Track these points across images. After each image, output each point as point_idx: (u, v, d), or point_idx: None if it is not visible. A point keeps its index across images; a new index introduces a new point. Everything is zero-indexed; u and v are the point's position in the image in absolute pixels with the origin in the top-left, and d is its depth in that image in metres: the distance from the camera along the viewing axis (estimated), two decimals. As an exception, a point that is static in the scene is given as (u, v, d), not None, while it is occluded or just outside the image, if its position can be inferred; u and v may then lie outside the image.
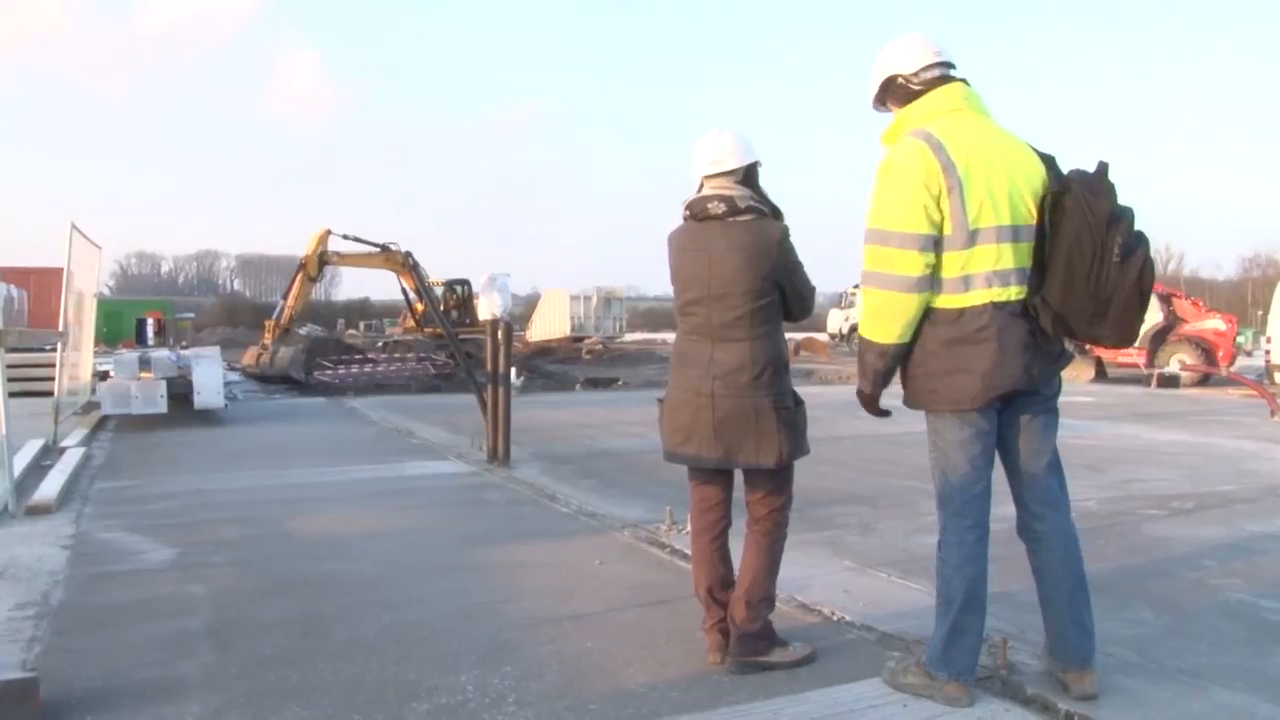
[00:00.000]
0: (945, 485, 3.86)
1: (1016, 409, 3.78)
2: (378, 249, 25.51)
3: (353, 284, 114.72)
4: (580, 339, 46.58)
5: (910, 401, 3.87)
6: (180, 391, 13.45)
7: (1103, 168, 3.61)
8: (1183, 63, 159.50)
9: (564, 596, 5.24)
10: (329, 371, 24.39)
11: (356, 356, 26.65)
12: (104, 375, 13.57)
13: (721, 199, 4.04)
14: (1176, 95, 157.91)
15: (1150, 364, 25.72)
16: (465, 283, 35.82)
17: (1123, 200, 3.59)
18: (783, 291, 4.07)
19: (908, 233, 3.55)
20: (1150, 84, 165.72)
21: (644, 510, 7.40)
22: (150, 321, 42.67)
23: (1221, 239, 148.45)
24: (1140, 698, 3.81)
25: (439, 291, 37.22)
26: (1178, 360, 26.68)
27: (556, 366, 32.87)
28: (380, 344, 43.20)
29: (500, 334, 9.43)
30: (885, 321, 3.69)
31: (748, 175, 4.15)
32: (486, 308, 9.54)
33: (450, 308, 36.67)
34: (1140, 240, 3.52)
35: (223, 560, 6.05)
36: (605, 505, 7.66)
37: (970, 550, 3.83)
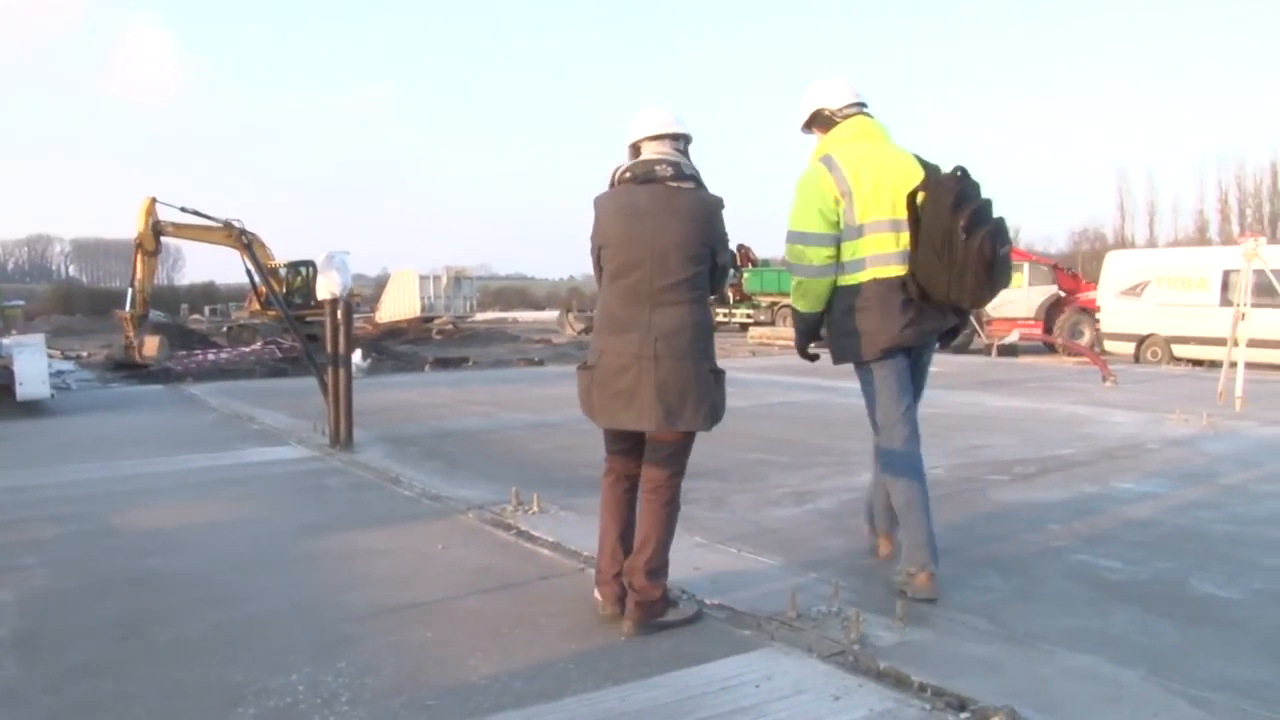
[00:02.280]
0: (873, 415, 4.95)
1: (914, 358, 4.90)
2: (218, 224, 24.47)
3: (197, 267, 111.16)
4: (430, 319, 45.93)
5: (834, 358, 4.97)
6: (1, 383, 12.73)
7: (957, 169, 4.59)
8: (1013, 46, 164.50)
9: (404, 584, 5.05)
10: (177, 360, 23.68)
11: (197, 352, 25.71)
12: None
13: (668, 163, 4.20)
14: (1011, 74, 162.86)
15: (1046, 333, 26.58)
16: (309, 264, 34.71)
17: (980, 187, 4.61)
18: (712, 262, 4.30)
19: (810, 232, 4.71)
20: (988, 62, 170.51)
21: (489, 491, 7.22)
22: None
23: (1053, 214, 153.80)
24: (993, 665, 3.84)
25: (282, 273, 36.25)
26: (1017, 332, 27.62)
27: (406, 347, 32.38)
28: (225, 328, 42.07)
29: (340, 314, 9.11)
30: (804, 297, 4.88)
31: (686, 147, 4.39)
32: (325, 287, 9.19)
33: (294, 289, 35.72)
34: (982, 221, 4.47)
35: (36, 561, 5.66)
36: (450, 487, 7.46)
37: (906, 450, 4.84)
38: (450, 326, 44.10)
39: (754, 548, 5.62)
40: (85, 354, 32.55)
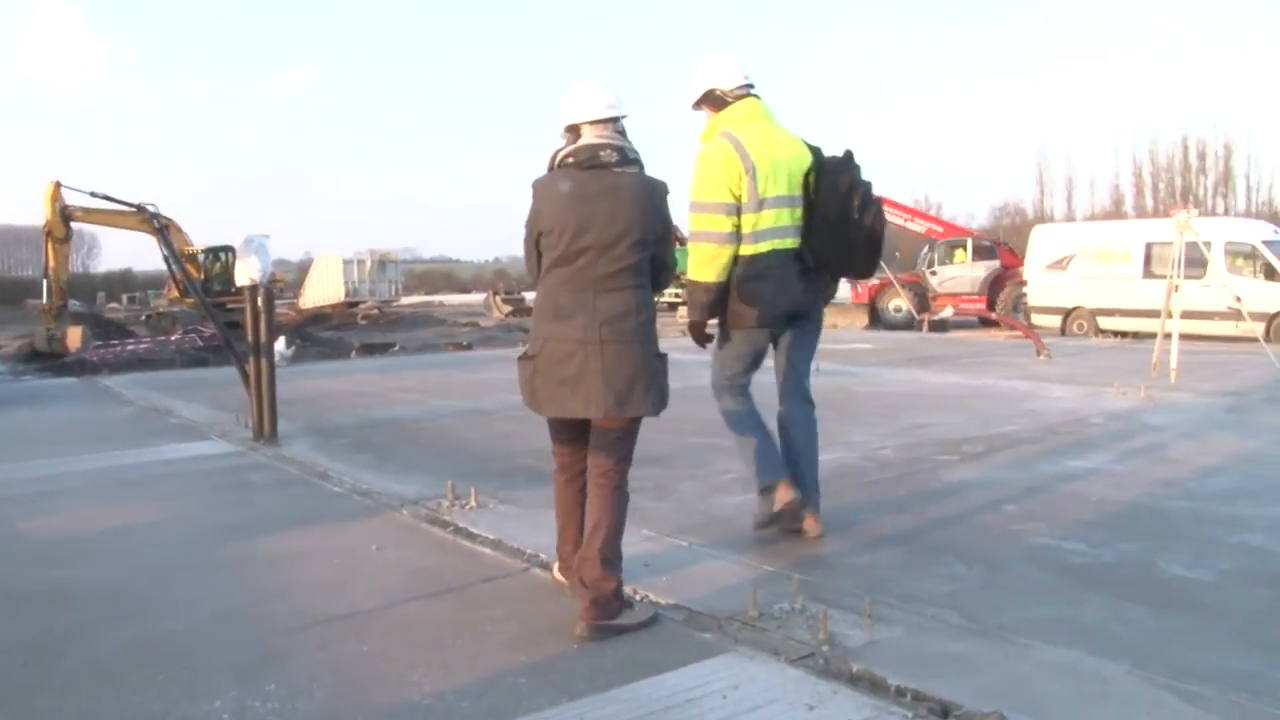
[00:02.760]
0: (719, 376, 5.37)
1: (793, 326, 5.34)
2: (131, 209, 23.59)
3: (113, 254, 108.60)
4: (355, 304, 45.29)
5: (721, 324, 5.20)
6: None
7: (847, 154, 5.16)
8: (933, 22, 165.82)
9: (337, 590, 4.73)
10: (90, 351, 23.02)
11: (114, 342, 24.94)
12: None
13: (613, 148, 4.11)
14: (929, 48, 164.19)
15: (990, 308, 26.85)
16: (229, 249, 33.79)
17: (869, 161, 5.19)
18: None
19: (718, 202, 4.96)
20: (908, 39, 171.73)
21: (423, 485, 6.90)
22: None
23: (974, 189, 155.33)
24: (970, 663, 3.62)
25: (200, 259, 35.44)
26: (950, 308, 27.85)
27: (331, 333, 31.78)
28: (144, 317, 41.04)
29: (260, 300, 8.70)
30: (710, 264, 5.01)
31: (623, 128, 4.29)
32: (244, 272, 8.76)
33: (213, 276, 34.90)
34: (869, 203, 5.10)
35: (-66, 576, 5.27)
36: (381, 481, 7.12)
37: (741, 401, 5.35)
38: (376, 311, 43.52)
39: (706, 540, 5.37)
40: (-2, 344, 31.64)
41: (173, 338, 26.69)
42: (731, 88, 5.25)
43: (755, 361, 5.35)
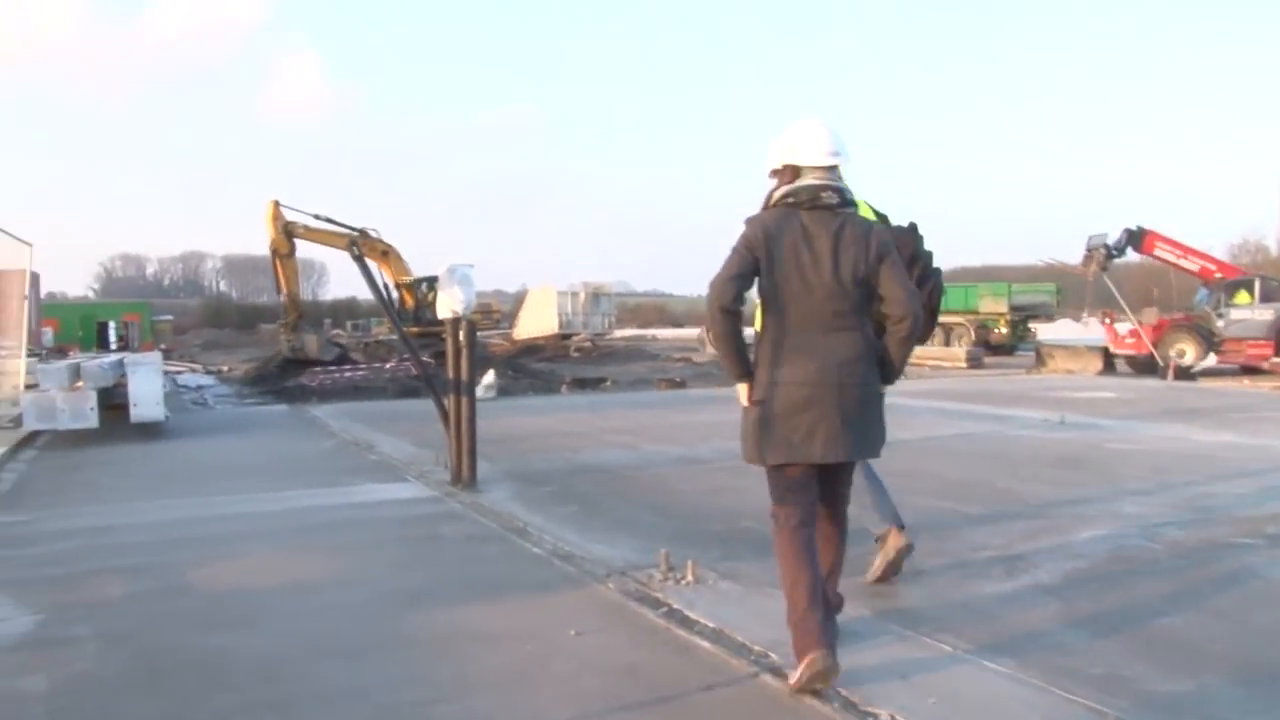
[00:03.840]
0: None
1: None
2: (354, 232, 24.30)
3: (340, 283, 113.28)
4: (568, 336, 45.16)
5: None
6: (121, 402, 12.08)
7: (911, 225, 5.09)
8: (1166, 45, 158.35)
9: (525, 690, 3.87)
10: (310, 377, 23.37)
11: (332, 368, 25.31)
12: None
13: (833, 190, 4.05)
14: (1166, 77, 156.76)
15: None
16: (430, 280, 33.76)
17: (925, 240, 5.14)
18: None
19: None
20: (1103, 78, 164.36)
21: (633, 549, 6.03)
22: (113, 325, 39.80)
23: (1204, 226, 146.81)
24: None
25: (417, 287, 35.84)
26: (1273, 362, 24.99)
27: (543, 365, 31.51)
28: (363, 344, 41.93)
29: (462, 334, 8.05)
30: None
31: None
32: (446, 304, 8.13)
33: (426, 304, 35.16)
34: (932, 274, 5.03)
35: (89, 633, 4.68)
36: (586, 542, 6.28)
37: None
38: (588, 344, 43.30)
39: (985, 649, 4.26)
40: (225, 368, 32.72)
41: (387, 365, 26.84)
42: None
43: None
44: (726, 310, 3.93)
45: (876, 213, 5.03)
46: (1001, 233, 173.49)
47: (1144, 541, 6.23)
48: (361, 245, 25.23)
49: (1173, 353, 25.02)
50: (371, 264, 24.18)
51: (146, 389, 11.88)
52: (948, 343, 39.71)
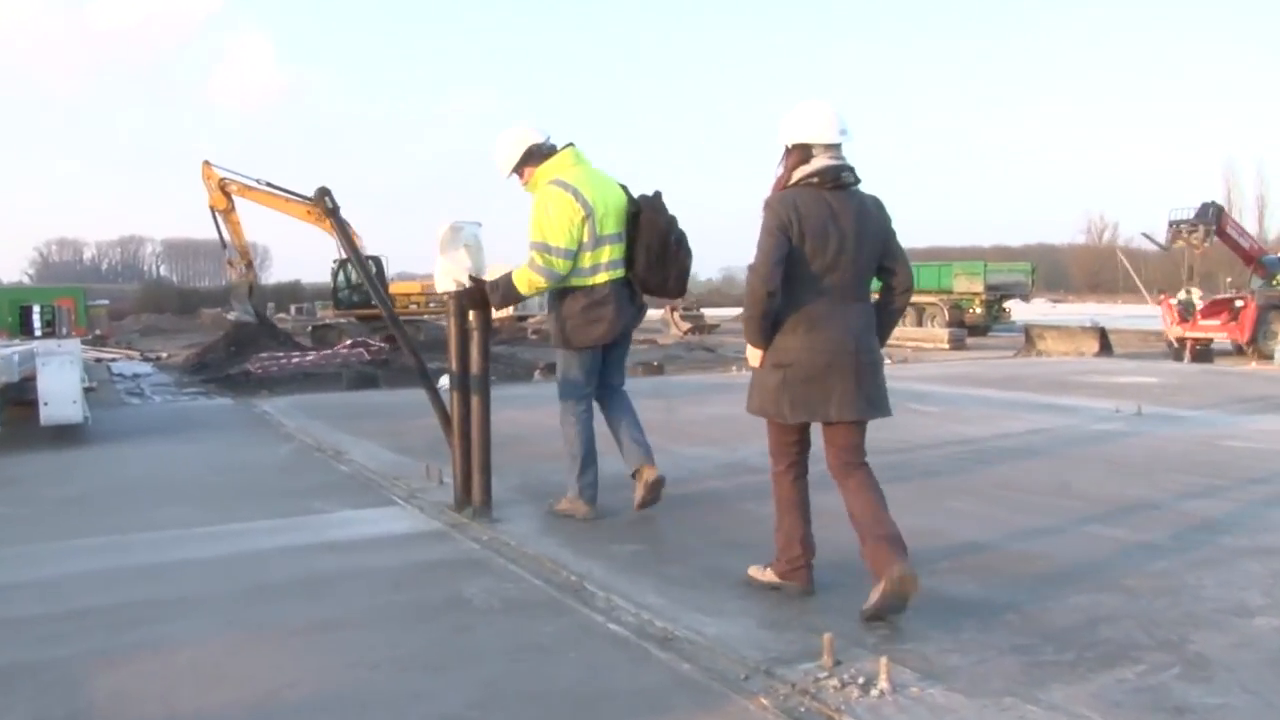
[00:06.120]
0: (569, 389, 6.07)
1: (612, 347, 6.12)
2: (305, 201, 23.34)
3: (284, 266, 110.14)
4: (524, 318, 42.94)
5: (558, 342, 6.03)
6: (28, 398, 9.90)
7: (657, 194, 5.94)
8: (1114, 35, 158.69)
9: None
10: (254, 363, 21.34)
11: (279, 355, 23.12)
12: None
13: (849, 169, 4.31)
14: (1110, 70, 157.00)
15: None
16: (375, 259, 31.21)
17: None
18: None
19: (562, 248, 5.71)
20: (1091, 58, 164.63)
21: (754, 619, 4.19)
22: (37, 309, 36.50)
23: (1155, 209, 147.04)
24: None
25: (333, 268, 33.88)
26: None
27: (502, 347, 29.04)
28: (309, 328, 39.51)
29: (473, 316, 6.03)
30: (534, 291, 5.94)
31: None
32: (448, 272, 6.11)
33: (354, 286, 32.89)
34: (683, 235, 5.92)
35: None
36: (679, 610, 4.33)
37: (585, 421, 6.05)
38: (546, 326, 41.19)
39: None
40: (165, 355, 30.63)
41: (338, 349, 24.68)
42: (543, 140, 6.01)
43: (595, 375, 6.08)
44: (773, 294, 4.19)
45: (621, 186, 6.03)
46: (980, 213, 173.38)
47: None
48: (312, 215, 24.01)
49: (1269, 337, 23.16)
50: (325, 256, 22.98)
51: (60, 385, 9.65)
52: (920, 323, 38.37)
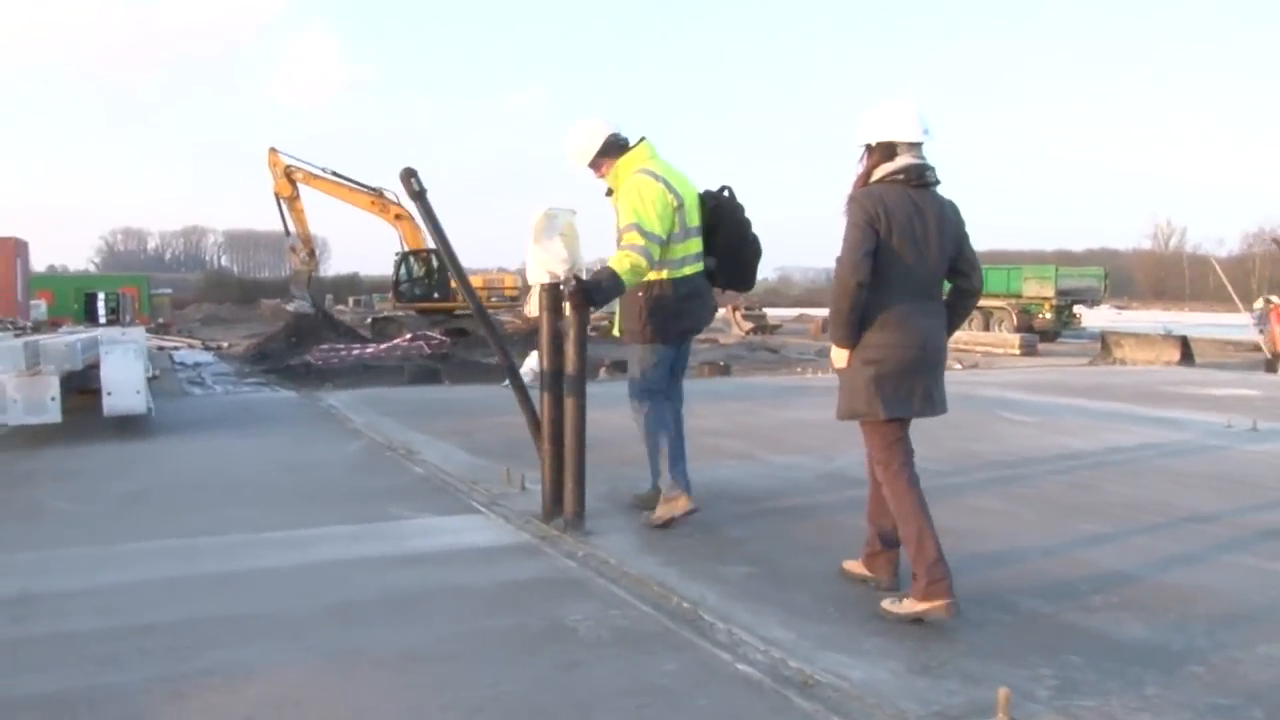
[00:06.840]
0: (646, 384, 5.81)
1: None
2: (370, 191, 23.20)
3: (343, 259, 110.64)
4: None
5: (641, 338, 5.78)
6: (92, 387, 9.57)
7: (730, 189, 5.97)
8: (1185, 39, 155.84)
9: None
10: (315, 354, 21.14)
11: (340, 346, 22.92)
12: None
13: (931, 169, 4.33)
14: (1181, 73, 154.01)
15: None
16: (436, 253, 30.88)
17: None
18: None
19: (658, 233, 5.54)
20: (1155, 61, 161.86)
21: (896, 659, 3.70)
22: (102, 296, 36.58)
23: (1221, 215, 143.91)
24: None
25: (396, 260, 33.54)
26: None
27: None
28: (368, 320, 39.32)
29: (570, 310, 5.54)
30: (636, 277, 5.53)
31: None
32: (541, 264, 5.63)
33: (415, 280, 32.40)
34: (755, 233, 5.99)
35: None
36: (810, 646, 3.82)
37: (664, 414, 5.79)
38: (605, 322, 40.72)
39: None
40: (225, 344, 30.54)
41: (399, 342, 24.38)
42: (619, 132, 5.94)
43: (669, 364, 5.91)
44: (862, 285, 4.16)
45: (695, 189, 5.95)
46: (1042, 217, 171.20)
47: None
48: (376, 205, 23.97)
49: None
50: (383, 246, 22.77)
51: (124, 374, 9.31)
52: (987, 326, 37.46)
